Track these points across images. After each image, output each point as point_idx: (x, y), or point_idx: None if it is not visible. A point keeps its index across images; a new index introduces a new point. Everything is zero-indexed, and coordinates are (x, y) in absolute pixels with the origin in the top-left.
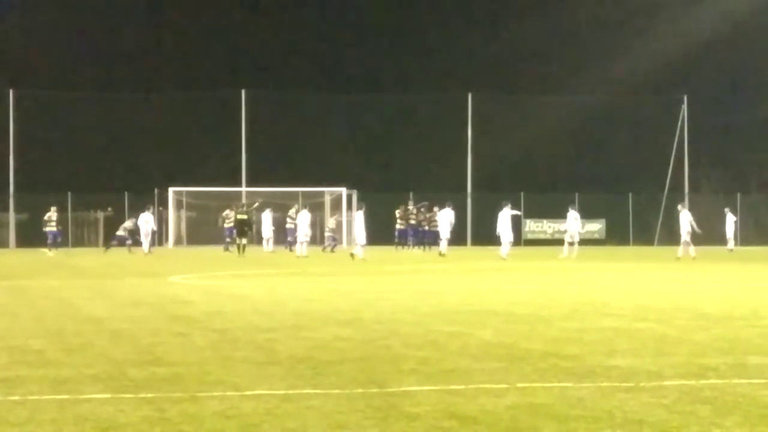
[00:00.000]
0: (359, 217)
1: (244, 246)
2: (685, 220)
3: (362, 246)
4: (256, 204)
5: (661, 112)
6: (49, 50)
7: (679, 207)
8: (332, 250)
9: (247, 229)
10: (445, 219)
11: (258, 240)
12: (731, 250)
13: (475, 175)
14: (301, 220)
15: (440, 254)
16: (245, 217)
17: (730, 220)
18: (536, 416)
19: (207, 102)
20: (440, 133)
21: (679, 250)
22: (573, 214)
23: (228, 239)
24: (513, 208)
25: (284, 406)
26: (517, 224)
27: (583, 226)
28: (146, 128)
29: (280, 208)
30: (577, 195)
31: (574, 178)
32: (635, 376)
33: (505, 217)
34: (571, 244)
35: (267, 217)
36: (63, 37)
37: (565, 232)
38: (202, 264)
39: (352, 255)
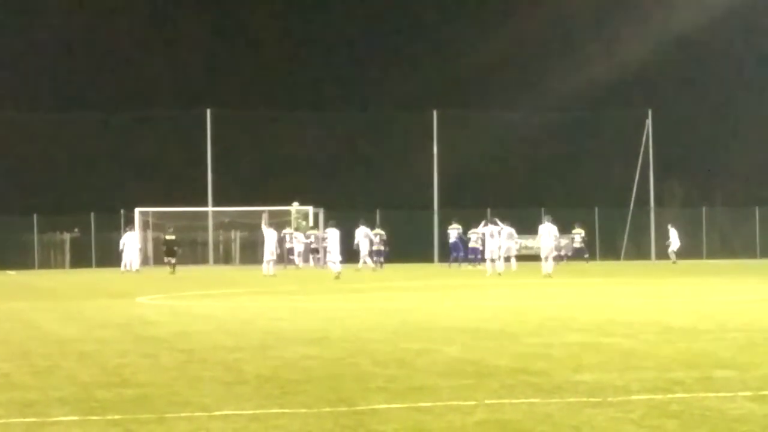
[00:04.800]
0: (333, 234)
1: (174, 265)
2: (504, 235)
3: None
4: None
5: (626, 125)
6: (9, 70)
7: (498, 221)
8: (381, 266)
9: (176, 249)
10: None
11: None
12: (675, 262)
13: (441, 192)
14: (268, 239)
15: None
16: (173, 237)
17: (673, 235)
18: None
19: (172, 121)
20: (406, 151)
21: (501, 265)
22: (507, 230)
23: (291, 256)
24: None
25: (252, 426)
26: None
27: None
28: (112, 148)
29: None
30: (543, 210)
31: (540, 193)
32: (602, 391)
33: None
34: (493, 260)
35: (334, 235)
36: (24, 56)
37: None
38: (169, 284)
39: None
